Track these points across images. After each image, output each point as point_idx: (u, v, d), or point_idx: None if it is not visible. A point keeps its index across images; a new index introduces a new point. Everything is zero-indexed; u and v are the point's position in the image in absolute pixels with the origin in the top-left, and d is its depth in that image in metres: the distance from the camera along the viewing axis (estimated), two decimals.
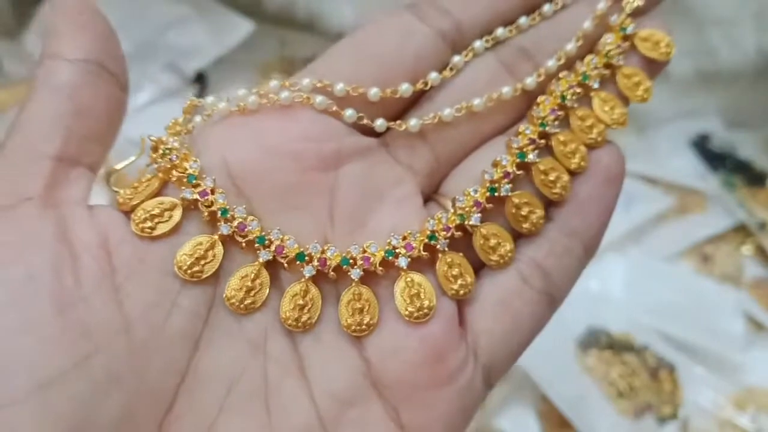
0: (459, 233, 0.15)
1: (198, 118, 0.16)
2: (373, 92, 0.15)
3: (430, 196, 0.16)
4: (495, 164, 0.16)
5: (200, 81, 0.46)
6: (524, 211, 0.15)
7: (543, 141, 0.16)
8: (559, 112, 0.16)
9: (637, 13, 0.17)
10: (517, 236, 0.16)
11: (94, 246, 0.13)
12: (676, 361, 0.40)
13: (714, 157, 0.51)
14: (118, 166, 0.15)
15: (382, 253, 0.15)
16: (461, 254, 0.15)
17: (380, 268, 0.15)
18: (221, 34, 0.46)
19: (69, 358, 0.12)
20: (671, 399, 0.39)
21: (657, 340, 0.41)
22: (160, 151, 0.14)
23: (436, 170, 0.16)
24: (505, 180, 0.15)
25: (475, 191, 0.15)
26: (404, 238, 0.15)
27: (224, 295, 0.14)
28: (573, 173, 0.16)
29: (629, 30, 0.17)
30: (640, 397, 0.38)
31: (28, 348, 0.11)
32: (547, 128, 0.16)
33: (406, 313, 0.14)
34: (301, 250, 0.14)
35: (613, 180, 0.16)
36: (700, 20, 0.48)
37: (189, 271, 0.13)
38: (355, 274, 0.14)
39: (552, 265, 0.15)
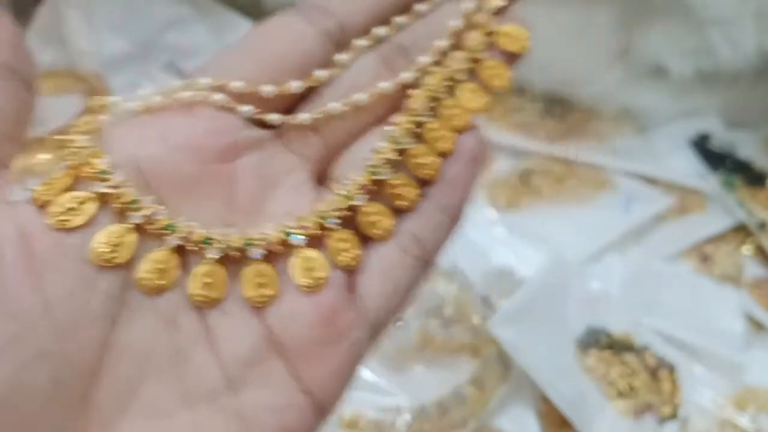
0: (346, 213, 0.17)
1: (104, 118, 0.17)
2: (267, 89, 0.17)
3: (322, 181, 0.19)
4: (375, 151, 0.18)
5: None
6: (401, 191, 0.18)
7: (417, 129, 0.18)
8: (431, 104, 0.18)
9: (499, 11, 0.19)
10: (397, 213, 0.18)
11: (13, 239, 0.14)
12: (676, 361, 0.40)
13: (714, 157, 0.51)
14: (32, 163, 0.16)
15: (279, 233, 0.17)
16: (350, 231, 0.17)
17: (278, 247, 0.17)
18: (221, 34, 0.46)
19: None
20: (671, 399, 0.39)
21: (657, 340, 0.41)
22: (71, 149, 0.16)
23: (326, 157, 0.18)
24: (385, 165, 0.18)
25: (360, 175, 0.18)
26: (298, 220, 0.17)
27: (137, 277, 0.15)
28: (443, 155, 0.18)
29: (491, 27, 0.19)
30: (640, 397, 0.38)
31: None
32: (419, 118, 0.18)
33: (302, 284, 0.16)
34: (207, 234, 0.16)
35: (476, 160, 0.19)
36: (700, 20, 0.49)
37: (104, 258, 0.15)
38: (255, 253, 0.16)
39: (426, 236, 0.18)
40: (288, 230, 0.17)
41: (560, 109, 0.54)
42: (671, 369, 0.40)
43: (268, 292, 0.16)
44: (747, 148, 0.52)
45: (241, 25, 0.46)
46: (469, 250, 0.44)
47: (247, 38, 0.18)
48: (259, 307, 0.16)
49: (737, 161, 0.51)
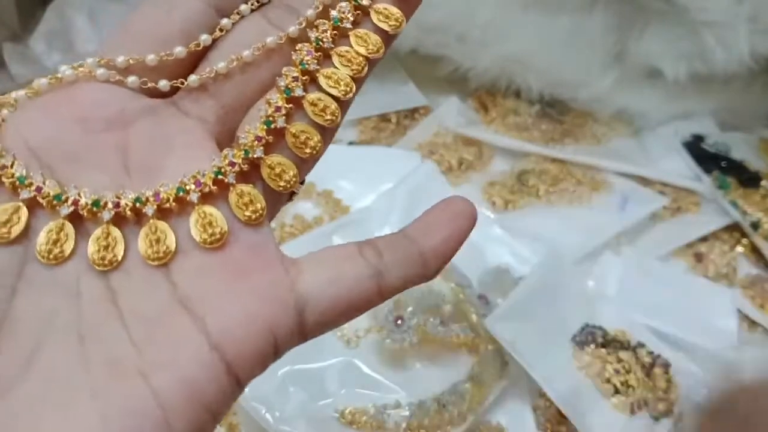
0: (246, 167, 0.17)
1: (4, 112, 0.17)
2: (150, 58, 0.17)
3: (229, 143, 0.18)
4: (267, 102, 0.18)
5: None
6: (302, 138, 0.18)
7: (306, 78, 0.18)
8: (316, 54, 0.18)
9: None
10: (300, 165, 0.18)
11: None
12: (670, 358, 0.41)
13: (708, 158, 0.51)
14: None
15: (174, 190, 0.17)
16: (251, 185, 0.17)
17: (173, 204, 0.16)
18: None
19: None
20: (666, 396, 0.39)
21: (652, 337, 0.41)
22: None
23: (225, 119, 0.18)
24: (278, 113, 0.17)
25: (255, 129, 0.17)
26: (193, 176, 0.17)
27: (36, 250, 0.16)
28: (341, 101, 0.18)
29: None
30: (635, 394, 0.39)
31: None
32: (307, 67, 0.18)
33: (201, 239, 0.16)
34: (95, 197, 0.16)
35: (464, 217, 0.19)
36: (694, 24, 0.49)
37: None
38: (150, 210, 0.16)
39: (388, 252, 0.18)
40: (183, 187, 0.17)
41: (556, 112, 0.55)
42: (666, 366, 0.40)
43: (163, 247, 0.16)
44: (741, 149, 0.52)
45: None
46: (467, 250, 0.44)
47: (131, 17, 0.18)
48: (158, 264, 0.16)
49: (731, 162, 0.51)
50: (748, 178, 0.50)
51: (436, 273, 0.19)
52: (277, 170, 0.17)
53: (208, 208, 0.17)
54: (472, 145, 0.52)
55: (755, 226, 0.47)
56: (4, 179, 0.16)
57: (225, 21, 0.18)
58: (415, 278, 0.18)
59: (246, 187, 0.17)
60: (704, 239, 0.47)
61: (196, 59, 0.18)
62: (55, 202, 0.16)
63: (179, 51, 0.18)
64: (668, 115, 0.54)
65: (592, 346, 0.40)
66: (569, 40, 0.51)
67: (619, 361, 0.40)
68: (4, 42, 0.53)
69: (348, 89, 0.18)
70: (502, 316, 0.38)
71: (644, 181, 0.50)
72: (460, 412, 0.36)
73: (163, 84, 0.18)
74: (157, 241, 0.16)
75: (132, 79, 0.17)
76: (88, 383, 0.15)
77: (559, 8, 0.51)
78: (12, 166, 0.16)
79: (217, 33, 0.18)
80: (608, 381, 0.39)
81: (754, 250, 0.47)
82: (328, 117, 0.18)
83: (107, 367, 0.15)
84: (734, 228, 0.48)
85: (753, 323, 0.43)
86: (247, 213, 0.17)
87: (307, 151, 0.18)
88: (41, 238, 0.16)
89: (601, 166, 0.50)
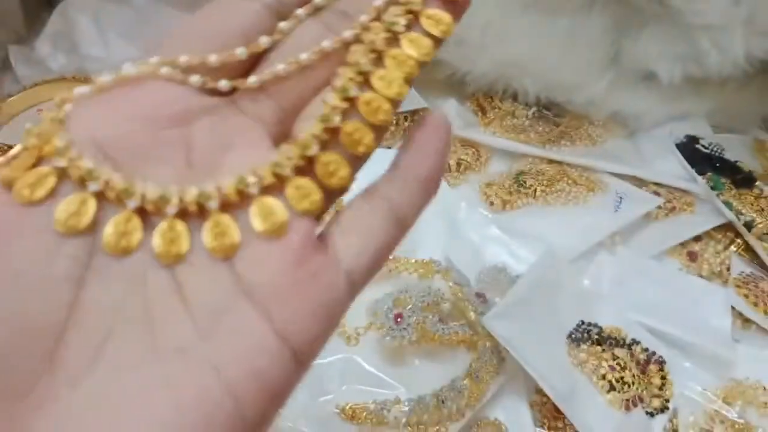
0: (302, 163, 0.18)
1: (68, 107, 0.17)
2: (213, 58, 0.18)
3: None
4: (323, 101, 0.18)
5: None
6: (357, 136, 0.18)
7: (361, 78, 0.18)
8: (371, 55, 0.19)
9: None
10: (355, 162, 0.18)
11: None
12: (665, 355, 0.41)
13: (702, 158, 0.52)
14: (12, 153, 0.17)
15: (234, 184, 0.17)
16: (307, 178, 0.18)
17: (234, 198, 0.17)
18: None
19: None
20: (661, 392, 0.40)
21: (646, 335, 0.42)
22: (32, 132, 0.16)
23: (283, 119, 0.19)
24: (334, 112, 0.18)
25: (312, 126, 0.18)
26: (253, 171, 0.17)
27: (103, 242, 0.16)
28: (393, 101, 0.18)
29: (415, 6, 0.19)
30: (630, 391, 0.39)
31: None
32: (363, 68, 0.18)
33: (262, 229, 0.17)
34: (161, 192, 0.16)
35: (443, 128, 0.19)
36: (689, 27, 0.49)
37: (66, 225, 0.16)
38: (212, 204, 0.17)
39: (401, 200, 0.18)
40: (244, 180, 0.17)
41: (553, 114, 0.55)
42: (661, 363, 0.41)
43: (228, 240, 0.16)
44: (735, 150, 0.53)
45: None
46: (466, 249, 0.45)
47: (192, 19, 0.19)
48: (222, 256, 0.16)
49: (725, 163, 0.51)
50: (742, 179, 0.50)
51: (437, 188, 0.19)
52: (331, 168, 0.18)
53: (268, 199, 0.17)
54: (470, 146, 0.52)
55: (749, 226, 0.47)
56: (72, 171, 0.16)
57: (283, 24, 0.19)
58: (425, 203, 0.19)
59: (303, 180, 0.17)
60: (698, 239, 0.48)
61: (253, 60, 0.19)
62: (122, 195, 0.16)
63: (241, 52, 0.18)
64: (663, 117, 0.54)
65: (588, 343, 0.40)
66: (565, 43, 0.51)
67: (615, 358, 0.40)
68: (9, 44, 0.54)
69: (400, 90, 0.18)
70: (499, 314, 0.38)
71: (639, 182, 0.50)
72: (458, 408, 0.37)
73: (224, 84, 0.18)
74: (222, 234, 0.16)
75: (194, 78, 0.18)
76: (160, 372, 0.15)
77: (557, 10, 0.51)
78: (80, 159, 0.16)
79: (276, 36, 0.18)
80: (604, 378, 0.39)
81: (748, 249, 0.47)
82: (381, 116, 0.18)
83: (177, 357, 0.15)
84: (728, 228, 0.48)
85: (746, 321, 0.44)
86: (305, 204, 0.17)
87: (361, 149, 0.18)
88: (108, 230, 0.16)
89: (596, 167, 0.50)
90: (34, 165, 0.16)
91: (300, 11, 0.19)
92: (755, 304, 0.44)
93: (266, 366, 0.15)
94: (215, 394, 0.15)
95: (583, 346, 0.40)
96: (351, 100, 0.18)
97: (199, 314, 0.16)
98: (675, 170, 0.52)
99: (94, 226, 0.16)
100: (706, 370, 0.41)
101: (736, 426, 0.39)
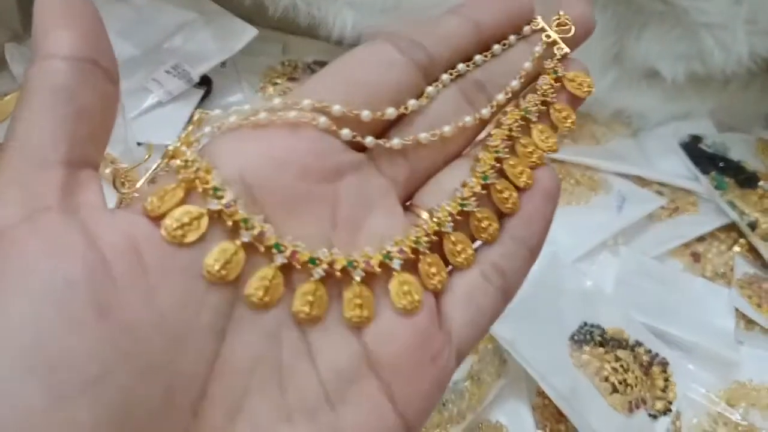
0: (434, 239, 0.18)
1: (207, 130, 0.17)
2: (365, 114, 0.18)
3: (405, 205, 0.19)
4: (464, 185, 0.19)
5: (206, 84, 0.47)
6: (484, 224, 0.19)
7: (498, 165, 0.19)
8: (508, 142, 0.20)
9: (563, 57, 0.21)
10: (477, 242, 0.19)
11: (123, 250, 0.14)
12: (668, 357, 0.41)
13: (706, 158, 0.51)
14: (126, 168, 0.16)
15: (380, 256, 0.17)
16: (436, 255, 0.18)
17: (378, 269, 0.17)
18: (226, 39, 0.47)
19: (113, 355, 0.13)
20: (664, 394, 0.40)
21: (650, 336, 0.41)
22: (181, 162, 0.16)
23: (411, 183, 0.19)
24: (473, 198, 0.19)
25: (449, 205, 0.19)
26: (396, 244, 0.18)
27: (245, 293, 0.16)
28: (521, 190, 0.19)
29: (559, 73, 0.20)
30: (633, 393, 0.39)
31: (75, 349, 0.13)
32: (499, 154, 0.19)
33: (400, 306, 0.17)
34: (312, 254, 0.16)
35: (552, 196, 0.20)
36: (693, 25, 0.49)
37: (217, 274, 0.15)
38: (357, 274, 0.17)
39: (507, 266, 0.19)
40: (388, 253, 0.17)
41: None
42: (664, 365, 0.40)
43: (365, 313, 0.16)
44: (738, 150, 0.52)
45: (246, 32, 0.47)
46: None
47: (342, 62, 0.18)
48: (357, 327, 0.16)
49: (729, 163, 0.51)
50: (745, 179, 0.50)
51: (539, 251, 0.20)
52: (459, 247, 0.18)
53: (407, 276, 0.17)
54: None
55: (752, 226, 0.47)
56: (225, 216, 0.16)
57: (431, 89, 0.19)
58: (529, 271, 0.20)
59: (434, 257, 0.18)
60: (701, 239, 0.47)
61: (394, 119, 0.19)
62: (273, 250, 0.16)
63: (391, 113, 0.18)
64: (666, 116, 0.54)
65: (591, 344, 0.40)
66: None
67: (617, 359, 0.40)
68: (5, 42, 0.54)
69: (529, 182, 0.19)
70: (501, 316, 0.38)
71: (642, 182, 0.50)
72: (459, 411, 0.37)
73: (369, 141, 0.18)
74: (361, 306, 0.17)
75: (346, 132, 0.17)
76: None
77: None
78: (235, 204, 0.16)
79: (423, 100, 0.19)
80: (606, 379, 0.39)
81: (752, 249, 0.47)
82: (509, 205, 0.19)
83: (307, 422, 0.15)
84: (731, 228, 0.48)
85: (750, 322, 0.44)
86: (434, 282, 0.18)
87: (484, 236, 0.19)
88: (254, 284, 0.16)
89: (599, 166, 0.50)
90: (183, 199, 0.15)
91: (444, 77, 0.19)
92: (759, 306, 0.44)
93: None
94: None
95: (586, 348, 0.40)
96: (485, 186, 0.19)
97: (327, 379, 0.16)
98: (678, 170, 0.51)
99: (239, 278, 0.16)
100: (710, 371, 0.41)
101: (740, 428, 0.39)
